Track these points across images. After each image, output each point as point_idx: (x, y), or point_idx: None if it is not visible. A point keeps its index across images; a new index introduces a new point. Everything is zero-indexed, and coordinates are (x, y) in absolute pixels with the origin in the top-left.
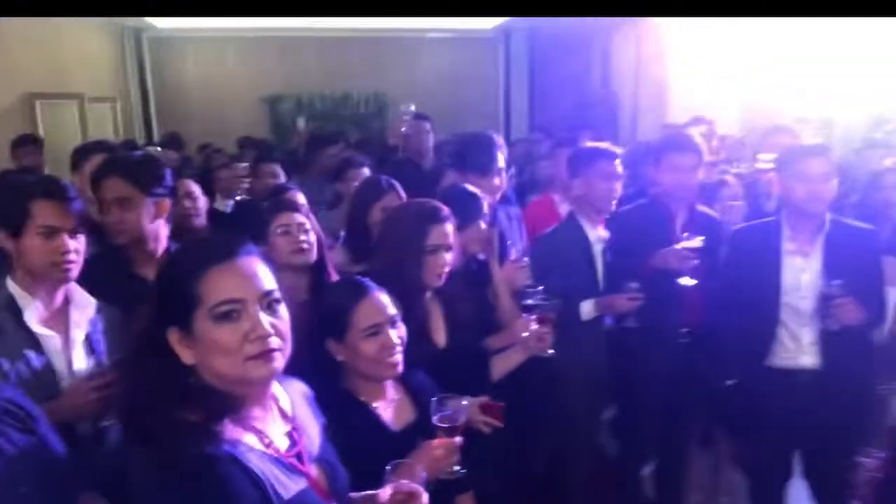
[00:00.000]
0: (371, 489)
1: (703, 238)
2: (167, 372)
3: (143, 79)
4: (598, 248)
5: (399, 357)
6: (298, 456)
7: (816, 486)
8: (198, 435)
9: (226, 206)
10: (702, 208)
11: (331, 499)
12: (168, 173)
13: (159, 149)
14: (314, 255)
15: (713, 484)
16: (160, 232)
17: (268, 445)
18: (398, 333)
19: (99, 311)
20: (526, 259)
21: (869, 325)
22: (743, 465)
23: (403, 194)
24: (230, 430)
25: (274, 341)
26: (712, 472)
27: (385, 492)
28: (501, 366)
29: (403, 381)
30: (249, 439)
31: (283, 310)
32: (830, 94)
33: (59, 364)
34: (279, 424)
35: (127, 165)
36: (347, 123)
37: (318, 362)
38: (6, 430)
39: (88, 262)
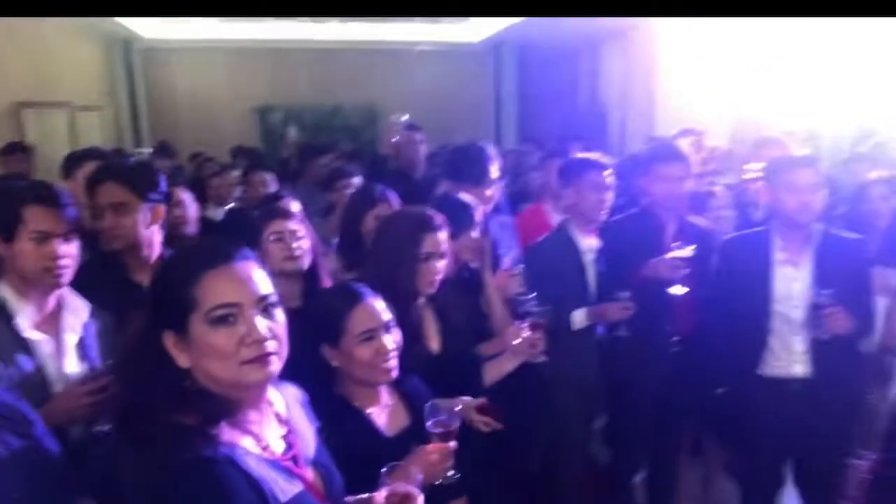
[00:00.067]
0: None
1: (693, 247)
2: (163, 375)
3: (133, 88)
4: (589, 258)
5: (393, 362)
6: (294, 459)
7: (807, 493)
8: (195, 438)
9: (217, 214)
10: (692, 218)
11: (326, 502)
12: (163, 179)
13: (150, 150)
14: (307, 262)
15: (704, 493)
16: (155, 238)
17: (264, 449)
18: (393, 339)
19: (92, 315)
20: (519, 267)
21: (858, 334)
22: (734, 474)
23: (397, 203)
24: (227, 434)
25: (270, 345)
26: (703, 482)
27: (380, 494)
28: (494, 372)
29: (397, 386)
30: (246, 442)
31: (279, 314)
32: (818, 109)
33: (51, 369)
34: (275, 428)
35: (123, 171)
36: (338, 134)
37: (312, 368)
38: (1, 433)
39: (82, 268)
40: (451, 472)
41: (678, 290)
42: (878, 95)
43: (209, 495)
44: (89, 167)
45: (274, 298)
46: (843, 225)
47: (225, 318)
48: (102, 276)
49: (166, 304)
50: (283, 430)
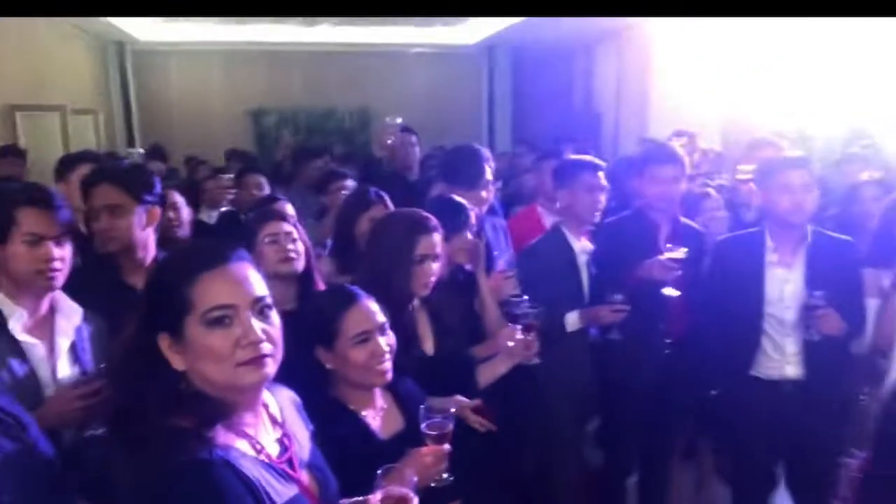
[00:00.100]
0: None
1: (686, 249)
2: (157, 378)
3: (126, 91)
4: (582, 260)
5: (388, 364)
6: (289, 462)
7: (799, 494)
8: (190, 440)
9: (210, 217)
10: (685, 220)
11: None
12: (157, 182)
13: (141, 150)
14: (302, 265)
15: (697, 495)
16: (149, 240)
17: (259, 451)
18: (387, 341)
19: (85, 319)
20: (512, 269)
21: (849, 335)
22: (727, 476)
23: (391, 206)
24: (222, 436)
25: (265, 347)
26: (696, 484)
27: (375, 497)
28: (488, 374)
29: (392, 389)
30: (241, 445)
31: (274, 316)
32: (810, 110)
33: (43, 372)
34: (270, 431)
35: (118, 173)
36: (332, 137)
37: (306, 371)
38: None
39: (76, 271)
40: (445, 475)
41: (671, 291)
42: (869, 96)
43: (204, 497)
44: (83, 170)
45: (269, 300)
46: (834, 226)
47: (220, 319)
48: (96, 279)
49: (161, 305)
50: (278, 433)
